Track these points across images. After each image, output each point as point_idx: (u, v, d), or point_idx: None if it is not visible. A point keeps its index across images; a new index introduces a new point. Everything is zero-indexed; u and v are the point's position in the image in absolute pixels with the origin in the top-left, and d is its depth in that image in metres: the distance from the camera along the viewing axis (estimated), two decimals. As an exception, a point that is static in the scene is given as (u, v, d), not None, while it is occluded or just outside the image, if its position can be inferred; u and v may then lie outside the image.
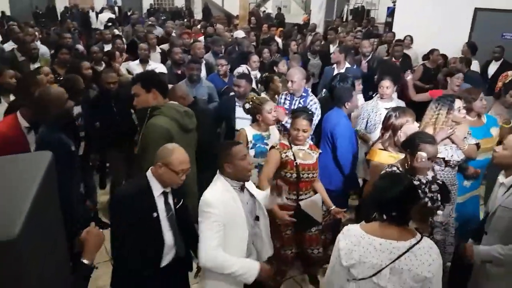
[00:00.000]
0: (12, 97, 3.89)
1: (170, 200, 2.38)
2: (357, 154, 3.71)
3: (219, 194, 2.33)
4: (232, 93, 4.39)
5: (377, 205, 1.94)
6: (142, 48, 5.72)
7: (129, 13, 12.90)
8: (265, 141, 3.44)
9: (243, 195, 2.46)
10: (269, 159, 3.06)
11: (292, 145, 3.09)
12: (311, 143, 3.29)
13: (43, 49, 6.50)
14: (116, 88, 4.13)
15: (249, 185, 2.57)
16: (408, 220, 1.91)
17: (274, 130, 3.59)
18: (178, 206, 2.42)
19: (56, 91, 2.94)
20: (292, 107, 4.00)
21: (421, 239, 1.85)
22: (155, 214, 2.27)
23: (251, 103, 3.44)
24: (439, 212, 2.57)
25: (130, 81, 3.44)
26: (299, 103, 4.09)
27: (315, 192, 3.17)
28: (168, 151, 2.28)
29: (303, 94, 4.13)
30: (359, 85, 4.51)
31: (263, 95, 4.29)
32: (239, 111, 3.99)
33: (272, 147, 3.10)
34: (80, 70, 4.47)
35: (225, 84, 5.03)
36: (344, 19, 15.50)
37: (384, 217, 1.88)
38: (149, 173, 2.32)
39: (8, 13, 15.74)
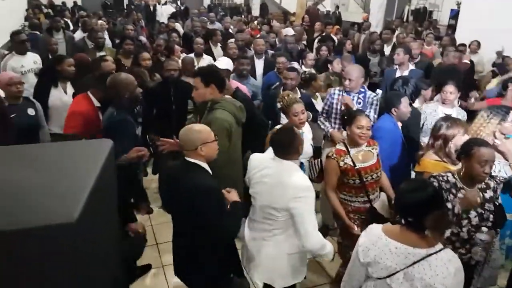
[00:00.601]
0: (69, 84, 4.19)
1: None
2: (404, 164, 3.52)
3: (307, 179, 2.48)
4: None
5: (397, 208, 1.96)
6: (197, 42, 5.89)
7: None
8: None
9: None
10: (328, 170, 2.98)
11: (350, 148, 2.96)
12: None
13: (107, 39, 6.93)
14: (176, 77, 4.33)
15: None
16: (425, 227, 1.88)
17: (306, 128, 3.50)
18: None
19: (127, 77, 3.12)
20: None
21: (440, 250, 1.82)
22: None
23: (281, 102, 3.36)
24: (484, 229, 2.44)
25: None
26: (358, 98, 3.99)
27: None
28: (196, 133, 2.36)
29: (361, 90, 4.03)
30: (428, 92, 4.27)
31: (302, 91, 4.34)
32: None
33: (328, 156, 3.00)
34: (139, 60, 4.76)
35: (281, 80, 5.09)
36: (404, 20, 15.03)
37: (402, 221, 1.89)
38: (191, 159, 2.39)
39: (79, 3, 16.71)
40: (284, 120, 3.99)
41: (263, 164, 2.56)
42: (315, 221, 2.41)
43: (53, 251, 1.02)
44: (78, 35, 7.38)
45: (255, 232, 2.60)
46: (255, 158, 2.67)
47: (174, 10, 15.06)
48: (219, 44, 6.80)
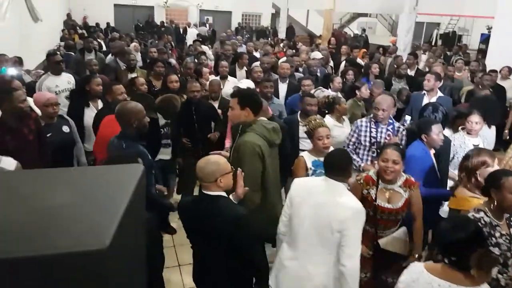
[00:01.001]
0: (100, 102, 4.34)
1: None
2: (438, 195, 3.41)
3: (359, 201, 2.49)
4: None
5: (439, 247, 1.94)
6: (222, 65, 6.00)
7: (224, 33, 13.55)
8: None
9: None
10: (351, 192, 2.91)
11: (380, 182, 2.86)
12: (408, 177, 2.92)
13: (139, 60, 7.14)
14: (198, 98, 4.43)
15: None
16: (470, 266, 1.86)
17: None
18: None
19: (136, 105, 3.12)
20: (379, 135, 3.85)
21: None
22: None
23: (307, 125, 3.33)
24: None
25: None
26: (387, 130, 3.86)
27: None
28: (213, 165, 2.38)
29: (389, 121, 3.92)
30: (474, 124, 3.90)
31: (327, 117, 4.29)
32: (302, 131, 3.99)
33: (356, 179, 2.95)
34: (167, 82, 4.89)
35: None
36: (433, 44, 14.93)
37: (445, 260, 1.87)
38: (210, 192, 2.41)
39: (112, 24, 17.38)
40: (303, 144, 4.00)
41: (311, 186, 2.57)
42: (360, 244, 2.40)
43: (82, 278, 1.01)
44: (110, 56, 7.63)
45: (297, 252, 2.56)
46: (300, 182, 2.69)
47: (202, 32, 15.44)
48: (244, 67, 6.91)
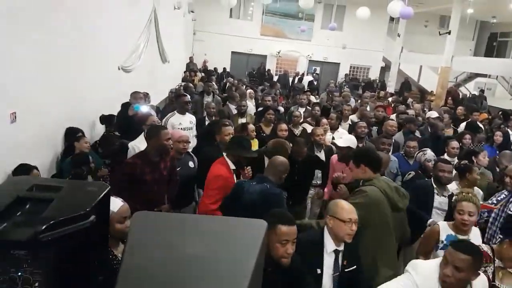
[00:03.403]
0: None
1: (340, 261, 2.48)
2: None
3: None
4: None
5: None
6: (332, 117, 6.06)
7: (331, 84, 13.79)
8: None
9: None
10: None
11: (496, 260, 2.56)
12: None
13: (250, 106, 7.51)
14: (303, 155, 4.41)
15: None
16: None
17: (474, 234, 3.04)
18: (348, 269, 2.50)
19: (285, 161, 3.34)
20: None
21: None
22: (318, 271, 2.40)
23: (456, 196, 3.08)
24: None
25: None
26: None
27: None
28: (334, 203, 2.46)
29: None
30: None
31: (455, 184, 3.99)
32: (437, 201, 3.77)
33: None
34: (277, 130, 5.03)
35: (409, 165, 4.88)
36: None
37: None
38: (326, 229, 2.47)
39: (228, 69, 18.74)
40: (435, 212, 3.73)
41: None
42: None
43: None
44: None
45: None
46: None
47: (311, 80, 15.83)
48: (349, 121, 6.86)
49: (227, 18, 19.78)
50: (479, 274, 2.19)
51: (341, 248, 2.52)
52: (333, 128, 5.95)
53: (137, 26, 7.60)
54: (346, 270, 2.51)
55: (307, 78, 17.63)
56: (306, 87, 13.94)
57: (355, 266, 2.56)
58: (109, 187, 1.63)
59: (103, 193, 1.75)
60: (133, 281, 1.11)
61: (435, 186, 3.84)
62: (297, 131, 5.90)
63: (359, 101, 9.86)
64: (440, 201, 3.78)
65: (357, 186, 3.19)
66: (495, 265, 2.52)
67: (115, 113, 5.66)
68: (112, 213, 2.07)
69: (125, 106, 5.70)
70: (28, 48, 3.67)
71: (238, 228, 1.43)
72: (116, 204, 2.15)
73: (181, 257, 1.17)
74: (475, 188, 3.98)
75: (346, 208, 2.48)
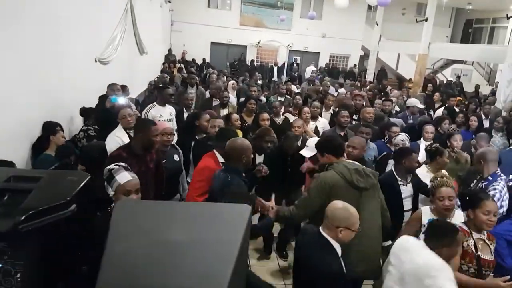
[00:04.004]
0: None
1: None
2: None
3: None
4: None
5: None
6: (315, 106, 6.06)
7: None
8: None
9: None
10: None
11: (472, 232, 2.75)
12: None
13: (232, 97, 7.48)
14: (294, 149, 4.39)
15: None
16: None
17: (458, 217, 3.07)
18: None
19: (243, 143, 3.28)
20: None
21: None
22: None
23: (432, 182, 3.18)
24: None
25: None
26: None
27: None
28: (346, 213, 2.40)
29: (489, 178, 3.72)
30: None
31: (423, 166, 4.08)
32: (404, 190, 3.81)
33: None
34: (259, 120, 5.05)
35: (391, 152, 4.94)
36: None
37: None
38: (324, 233, 2.42)
39: (208, 60, 18.58)
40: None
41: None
42: None
43: None
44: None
45: None
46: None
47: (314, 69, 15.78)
48: (331, 109, 6.89)
49: (205, 8, 19.56)
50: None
51: None
52: (315, 117, 5.95)
53: (112, 18, 7.44)
54: None
55: (310, 68, 17.60)
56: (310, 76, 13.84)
57: None
58: (90, 176, 1.62)
59: (83, 182, 1.79)
60: (117, 268, 1.10)
61: (398, 177, 3.75)
62: (279, 121, 5.94)
63: (339, 90, 9.91)
64: (406, 189, 3.76)
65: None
66: (474, 237, 2.69)
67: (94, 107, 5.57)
68: (118, 185, 2.33)
69: (103, 98, 5.60)
70: (0, 42, 3.56)
71: (222, 213, 1.42)
72: (125, 177, 2.35)
73: (165, 243, 1.17)
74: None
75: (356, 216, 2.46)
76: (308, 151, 3.99)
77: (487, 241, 2.75)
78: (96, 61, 6.37)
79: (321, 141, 3.54)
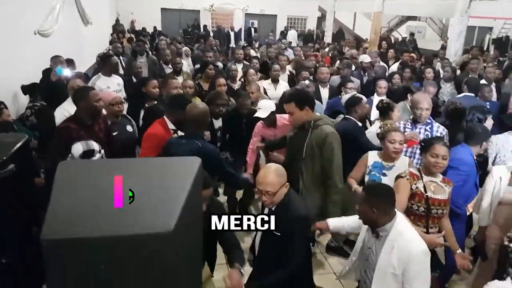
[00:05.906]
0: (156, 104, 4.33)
1: None
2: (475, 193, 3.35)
3: None
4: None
5: None
6: (274, 69, 5.96)
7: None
8: (383, 171, 3.27)
9: None
10: (400, 189, 2.77)
11: (423, 176, 2.86)
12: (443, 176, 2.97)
13: (185, 65, 7.21)
14: (248, 109, 4.32)
15: None
16: None
17: (402, 161, 3.31)
18: None
19: (203, 108, 3.18)
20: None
21: None
22: None
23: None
24: None
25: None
26: (426, 130, 3.81)
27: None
28: None
29: (428, 121, 3.84)
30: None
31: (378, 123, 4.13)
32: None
33: (400, 176, 2.87)
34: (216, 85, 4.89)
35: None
36: (485, 49, 14.22)
37: None
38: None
39: (159, 28, 17.82)
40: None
41: None
42: None
43: (152, 256, 1.14)
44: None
45: None
46: None
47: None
48: (287, 71, 6.83)
49: (153, -28, 18.61)
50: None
51: None
52: (275, 81, 5.88)
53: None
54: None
55: (292, 33, 17.28)
56: (291, 42, 13.57)
57: None
58: (27, 137, 1.56)
59: (21, 142, 1.85)
60: (60, 218, 1.13)
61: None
62: (236, 86, 5.81)
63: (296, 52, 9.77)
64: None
65: (284, 143, 3.48)
66: (424, 180, 2.83)
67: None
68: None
69: (47, 72, 5.25)
70: None
71: (170, 166, 1.47)
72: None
73: (109, 196, 1.19)
74: None
75: None
76: (263, 112, 3.92)
77: (440, 183, 2.86)
78: (35, 34, 5.92)
79: (300, 93, 3.45)
